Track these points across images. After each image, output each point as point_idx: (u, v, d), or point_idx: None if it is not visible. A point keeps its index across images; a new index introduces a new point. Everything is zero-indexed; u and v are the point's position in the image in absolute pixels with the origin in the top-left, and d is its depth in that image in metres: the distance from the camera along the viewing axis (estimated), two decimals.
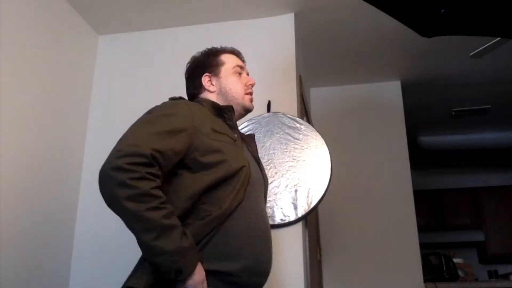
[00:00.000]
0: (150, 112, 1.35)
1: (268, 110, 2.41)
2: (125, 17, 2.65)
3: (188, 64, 1.62)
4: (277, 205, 2.17)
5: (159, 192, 1.15)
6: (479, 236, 4.89)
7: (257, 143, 2.15)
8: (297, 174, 2.21)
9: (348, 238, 3.16)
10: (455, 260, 4.22)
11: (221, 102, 1.51)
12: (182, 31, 2.72)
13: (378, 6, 1.67)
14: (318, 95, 3.56)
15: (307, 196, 2.17)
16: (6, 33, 2.03)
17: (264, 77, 2.50)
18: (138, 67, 2.70)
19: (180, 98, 1.47)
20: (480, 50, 2.64)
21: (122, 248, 2.30)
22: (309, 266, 2.30)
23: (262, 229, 1.35)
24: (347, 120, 3.46)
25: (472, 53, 2.70)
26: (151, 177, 1.15)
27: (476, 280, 4.46)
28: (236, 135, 1.45)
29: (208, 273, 1.19)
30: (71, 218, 2.40)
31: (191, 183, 1.26)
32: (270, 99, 2.44)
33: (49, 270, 2.20)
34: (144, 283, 1.15)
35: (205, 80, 1.54)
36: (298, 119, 2.35)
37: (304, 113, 2.81)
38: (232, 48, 1.62)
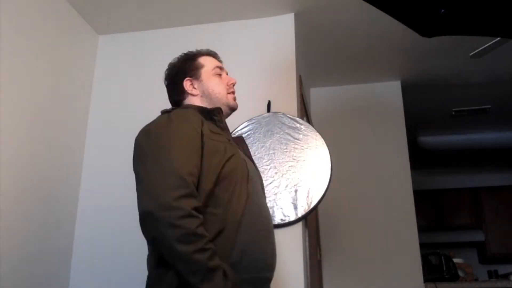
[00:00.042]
0: (148, 133, 1.33)
1: (268, 110, 2.41)
2: (125, 17, 2.65)
3: (167, 71, 1.62)
4: (277, 205, 2.17)
5: (203, 231, 1.16)
6: (479, 236, 4.89)
7: (257, 143, 2.15)
8: (297, 174, 2.21)
9: (348, 238, 3.16)
10: (455, 260, 4.23)
11: (206, 105, 1.52)
12: (182, 31, 2.72)
13: (378, 6, 1.67)
14: (318, 95, 3.56)
15: (307, 196, 2.17)
16: (6, 33, 2.03)
17: (264, 77, 2.50)
18: (138, 67, 2.70)
19: (173, 108, 1.46)
20: (480, 50, 2.64)
21: (121, 250, 2.30)
22: (309, 266, 2.30)
23: (266, 224, 1.37)
24: (347, 120, 3.46)
25: (472, 53, 2.70)
26: (195, 213, 1.16)
27: (476, 280, 4.46)
28: (228, 136, 1.47)
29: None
30: (71, 220, 2.40)
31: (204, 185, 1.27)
32: (270, 99, 2.44)
33: (49, 272, 2.20)
34: None
35: (187, 84, 1.54)
36: (298, 119, 2.35)
37: (304, 113, 2.81)
38: (208, 50, 1.63)
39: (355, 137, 3.40)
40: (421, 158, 4.83)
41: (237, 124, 2.31)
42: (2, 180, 1.93)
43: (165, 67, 2.66)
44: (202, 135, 1.32)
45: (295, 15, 2.63)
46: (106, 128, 2.58)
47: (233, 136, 1.65)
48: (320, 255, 3.09)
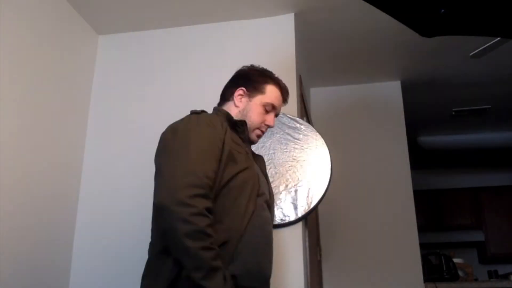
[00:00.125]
0: (175, 131, 1.37)
1: None
2: (125, 17, 2.65)
3: (244, 67, 1.65)
4: (277, 205, 2.17)
5: (211, 231, 1.21)
6: (479, 236, 4.89)
7: (257, 143, 2.15)
8: (297, 174, 2.21)
9: (348, 238, 3.16)
10: (455, 260, 4.23)
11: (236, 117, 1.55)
12: (182, 31, 2.72)
13: (378, 6, 1.67)
14: (318, 95, 3.56)
15: (307, 196, 2.17)
16: (6, 33, 2.03)
17: None
18: (138, 67, 2.70)
19: (202, 111, 1.49)
20: (480, 50, 2.64)
21: (122, 248, 2.30)
22: (309, 266, 2.30)
23: (267, 238, 1.41)
24: (347, 120, 3.46)
25: (472, 53, 2.70)
26: (206, 213, 1.22)
27: (476, 280, 4.46)
28: (247, 149, 1.51)
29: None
30: (71, 218, 2.40)
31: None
32: None
33: (49, 271, 2.20)
34: None
35: (237, 92, 1.57)
36: (298, 119, 2.35)
37: (304, 113, 2.81)
38: (284, 85, 1.63)
39: (355, 137, 3.40)
40: (421, 158, 4.83)
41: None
42: (2, 180, 1.93)
43: (165, 67, 2.67)
44: (223, 142, 1.36)
45: (295, 15, 2.63)
46: (106, 128, 2.58)
47: (254, 152, 1.68)
48: (320, 255, 3.09)
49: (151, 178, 1.37)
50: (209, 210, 1.23)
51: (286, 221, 2.15)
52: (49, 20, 2.35)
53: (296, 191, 2.19)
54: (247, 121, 1.54)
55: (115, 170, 2.47)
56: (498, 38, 2.44)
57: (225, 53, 2.60)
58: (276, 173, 2.23)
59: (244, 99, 1.57)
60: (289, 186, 2.20)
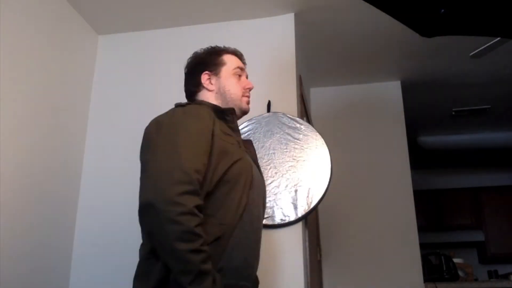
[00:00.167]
0: (160, 125, 1.31)
1: (268, 110, 2.41)
2: (125, 17, 2.65)
3: (189, 59, 1.60)
4: (277, 205, 2.17)
5: (201, 231, 1.15)
6: (479, 236, 4.89)
7: (257, 143, 2.15)
8: (297, 174, 2.21)
9: (348, 238, 3.16)
10: (455, 260, 4.23)
11: (219, 102, 1.51)
12: (182, 31, 2.72)
13: (378, 6, 1.67)
14: (318, 95, 3.56)
15: (307, 196, 2.17)
16: (6, 33, 2.03)
17: (264, 77, 2.50)
18: (138, 67, 2.70)
19: (188, 103, 1.45)
20: (480, 50, 2.64)
21: (122, 248, 2.30)
22: (309, 266, 2.30)
23: (256, 234, 1.38)
24: (347, 120, 3.46)
25: (472, 53, 2.70)
26: (196, 211, 1.15)
27: (476, 280, 4.46)
28: (238, 138, 1.47)
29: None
30: (71, 219, 2.40)
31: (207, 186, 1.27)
32: (270, 99, 2.44)
33: (49, 271, 2.20)
34: None
35: (204, 78, 1.53)
36: (298, 119, 2.35)
37: (304, 113, 2.81)
38: (235, 49, 1.61)
39: (355, 137, 3.40)
40: (421, 158, 4.83)
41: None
42: (2, 179, 1.93)
43: (165, 67, 2.67)
44: (213, 134, 1.31)
45: (295, 15, 2.63)
46: (106, 128, 2.58)
47: (252, 146, 1.65)
48: (320, 255, 3.09)
49: None
50: (199, 208, 1.17)
51: (286, 221, 2.15)
52: (49, 20, 2.35)
53: (296, 191, 2.19)
54: (229, 96, 1.51)
55: (115, 170, 2.47)
56: (498, 38, 2.44)
57: None
58: (276, 173, 2.23)
59: (213, 80, 1.52)
60: (289, 186, 2.20)
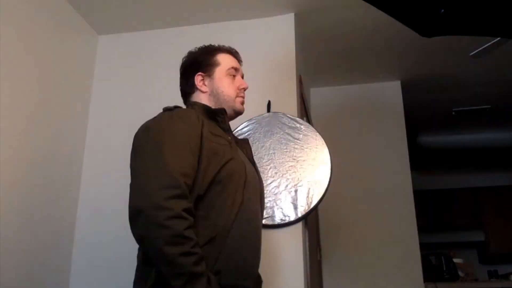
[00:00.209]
0: (147, 131, 1.31)
1: (268, 110, 2.41)
2: (125, 17, 2.65)
3: (184, 59, 1.59)
4: (277, 205, 2.17)
5: (191, 234, 1.15)
6: (479, 236, 4.89)
7: (257, 143, 2.14)
8: (297, 174, 2.21)
9: (348, 238, 3.16)
10: (455, 260, 4.23)
11: (212, 104, 1.50)
12: (182, 31, 2.72)
13: (378, 6, 1.67)
14: (318, 95, 3.56)
15: (307, 196, 2.17)
16: (6, 33, 2.03)
17: (264, 77, 2.50)
18: (138, 67, 2.70)
19: (175, 107, 1.44)
20: (480, 50, 2.64)
21: (122, 248, 2.30)
22: (309, 266, 2.30)
23: (254, 233, 1.37)
24: (347, 120, 3.46)
25: (472, 53, 2.70)
26: (185, 214, 1.15)
27: (476, 280, 4.46)
28: (230, 137, 1.45)
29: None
30: (71, 219, 2.40)
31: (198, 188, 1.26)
32: (270, 99, 2.44)
33: (49, 273, 2.20)
34: None
35: (197, 79, 1.52)
36: (298, 119, 2.35)
37: (304, 113, 2.81)
38: (230, 47, 1.59)
39: (355, 137, 3.40)
40: (421, 158, 4.83)
41: (237, 124, 2.31)
42: (2, 179, 1.93)
43: (165, 67, 2.67)
44: (201, 136, 1.30)
45: (295, 15, 2.63)
46: (106, 128, 2.58)
47: (239, 137, 1.64)
48: (320, 255, 3.09)
49: None
50: (188, 211, 1.16)
51: (286, 221, 2.15)
52: (49, 20, 2.35)
53: (296, 191, 2.19)
54: (223, 97, 1.50)
55: (115, 170, 2.46)
56: (498, 38, 2.44)
57: None
58: (276, 173, 2.23)
59: (207, 81, 1.51)
60: (289, 186, 2.20)
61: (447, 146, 4.72)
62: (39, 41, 2.26)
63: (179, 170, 1.19)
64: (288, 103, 2.45)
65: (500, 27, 1.81)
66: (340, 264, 3.13)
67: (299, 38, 2.75)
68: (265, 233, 1.60)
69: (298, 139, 2.29)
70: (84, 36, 2.67)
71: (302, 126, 2.32)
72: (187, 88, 1.55)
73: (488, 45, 2.55)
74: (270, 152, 2.28)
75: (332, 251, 3.17)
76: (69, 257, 2.35)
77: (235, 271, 1.26)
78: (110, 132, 2.56)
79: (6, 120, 1.98)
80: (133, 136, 1.36)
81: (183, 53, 1.70)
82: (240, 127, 2.33)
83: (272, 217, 2.14)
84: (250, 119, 2.34)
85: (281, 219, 2.15)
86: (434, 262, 4.08)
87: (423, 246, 3.18)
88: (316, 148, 2.27)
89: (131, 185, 1.23)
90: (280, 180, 2.21)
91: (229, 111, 1.51)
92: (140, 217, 1.14)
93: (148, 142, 1.28)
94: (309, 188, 2.18)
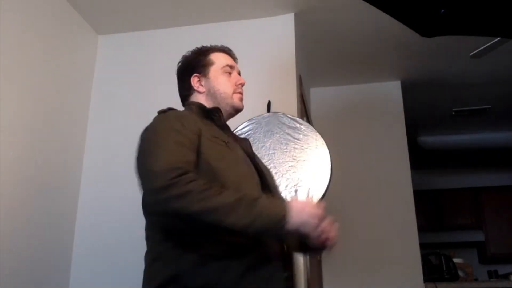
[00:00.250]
0: (144, 134, 1.34)
1: (268, 110, 2.41)
2: (125, 17, 2.65)
3: (179, 64, 1.60)
4: None
5: (206, 183, 1.14)
6: (479, 236, 4.89)
7: (257, 143, 2.14)
8: (297, 174, 2.21)
9: (348, 238, 3.15)
10: (455, 260, 4.22)
11: (210, 103, 1.50)
12: (182, 31, 2.72)
13: (378, 6, 1.67)
14: (318, 95, 3.56)
15: (307, 196, 2.17)
16: (6, 33, 2.03)
17: (264, 77, 2.50)
18: (138, 67, 2.70)
19: (169, 109, 1.44)
20: (480, 50, 2.64)
21: (122, 248, 2.30)
22: (309, 266, 2.30)
23: None
24: (347, 120, 3.46)
25: (472, 53, 2.70)
26: (196, 176, 1.15)
27: (476, 280, 4.46)
28: (227, 136, 1.44)
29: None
30: (71, 218, 2.40)
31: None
32: (270, 99, 2.44)
33: (49, 270, 2.20)
34: None
35: (194, 81, 1.52)
36: (298, 119, 2.34)
37: (304, 113, 2.81)
38: (222, 46, 1.60)
39: (355, 137, 3.40)
40: (421, 158, 4.83)
41: (237, 124, 2.31)
42: (2, 179, 1.93)
43: (165, 67, 2.67)
44: (200, 135, 1.30)
45: (295, 15, 2.63)
46: (106, 128, 2.58)
47: (249, 145, 1.63)
48: (320, 255, 3.09)
49: None
50: (194, 177, 1.15)
51: None
52: (49, 20, 2.35)
53: (296, 191, 2.19)
54: (220, 95, 1.49)
55: (115, 170, 2.47)
56: (498, 38, 2.44)
57: None
58: (276, 173, 2.23)
59: (203, 81, 1.51)
60: (289, 186, 2.20)
61: (447, 146, 4.73)
62: (39, 41, 2.26)
63: (180, 159, 1.20)
64: (288, 103, 2.45)
65: (500, 27, 1.81)
66: (340, 264, 3.13)
67: (299, 38, 2.75)
68: None
69: (298, 139, 2.29)
70: (84, 36, 2.67)
71: (302, 126, 2.32)
72: (185, 91, 1.56)
73: (488, 45, 2.55)
74: (270, 152, 2.28)
75: (332, 251, 3.16)
76: (69, 258, 2.35)
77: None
78: (110, 132, 2.57)
79: (6, 119, 1.98)
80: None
81: (183, 53, 1.70)
82: (240, 127, 2.33)
83: None
84: (250, 119, 2.34)
85: None
86: (434, 262, 4.08)
87: (423, 246, 3.18)
88: (316, 148, 2.26)
89: (140, 187, 1.24)
90: (280, 180, 2.21)
91: (228, 109, 1.51)
92: (156, 208, 1.15)
93: (145, 144, 1.30)
94: (309, 188, 2.18)
